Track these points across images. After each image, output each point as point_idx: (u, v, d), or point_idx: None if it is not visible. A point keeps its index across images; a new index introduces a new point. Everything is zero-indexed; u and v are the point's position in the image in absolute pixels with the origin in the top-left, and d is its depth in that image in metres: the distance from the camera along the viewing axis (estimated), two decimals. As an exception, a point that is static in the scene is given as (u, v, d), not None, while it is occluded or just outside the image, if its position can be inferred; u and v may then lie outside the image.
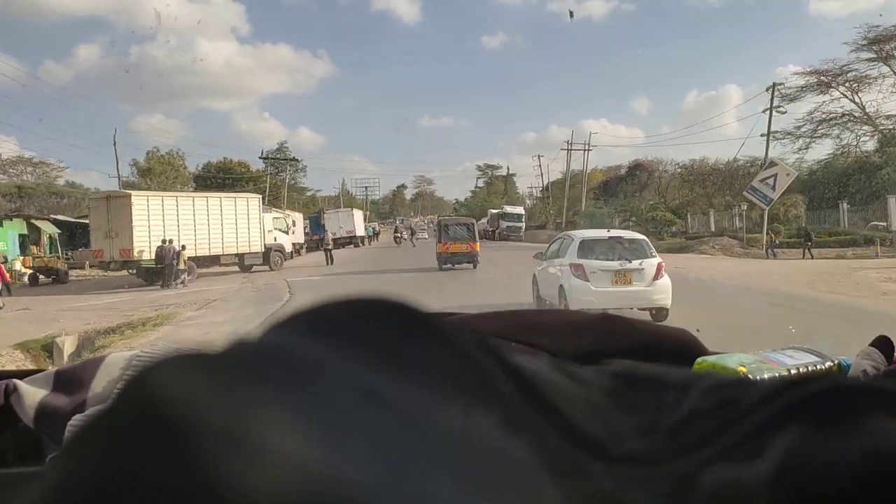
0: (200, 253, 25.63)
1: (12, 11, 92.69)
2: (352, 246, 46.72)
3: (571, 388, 0.38)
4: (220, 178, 61.43)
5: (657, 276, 10.40)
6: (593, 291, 10.16)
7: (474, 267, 21.43)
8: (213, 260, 26.54)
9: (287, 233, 38.27)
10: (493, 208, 70.45)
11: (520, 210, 57.76)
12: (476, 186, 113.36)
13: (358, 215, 49.66)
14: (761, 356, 0.79)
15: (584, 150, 64.18)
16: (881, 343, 0.84)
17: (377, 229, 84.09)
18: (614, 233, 11.96)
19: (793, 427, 0.32)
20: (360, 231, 48.04)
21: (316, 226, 45.84)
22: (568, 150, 64.29)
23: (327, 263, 29.39)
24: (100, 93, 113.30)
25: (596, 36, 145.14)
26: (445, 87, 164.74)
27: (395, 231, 50.73)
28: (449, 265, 21.50)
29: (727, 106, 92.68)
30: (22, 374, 0.88)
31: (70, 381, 0.84)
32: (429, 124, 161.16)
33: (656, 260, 10.64)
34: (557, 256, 11.33)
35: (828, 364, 0.80)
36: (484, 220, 67.83)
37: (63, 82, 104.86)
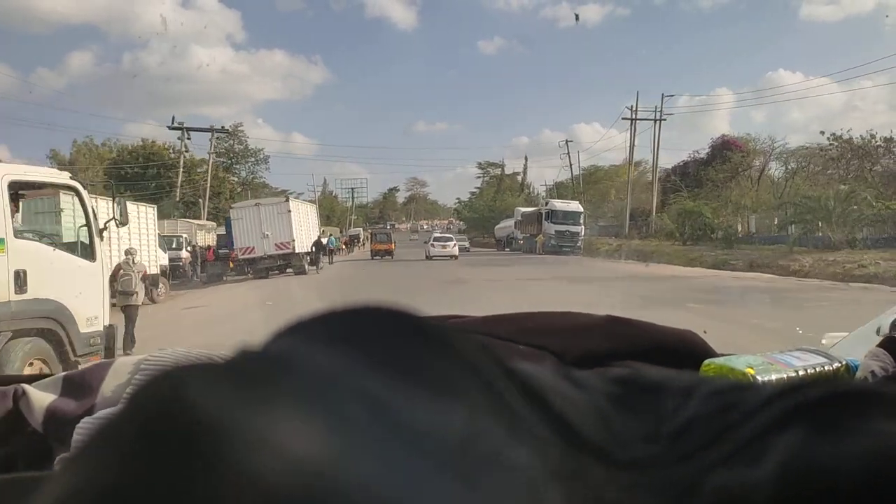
0: None
1: (7, 19, 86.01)
2: (291, 271, 23.74)
3: (574, 393, 0.37)
4: (142, 166, 38.90)
5: (454, 246, 34.04)
6: (435, 249, 33.34)
7: (392, 257, 35.81)
8: None
9: (181, 247, 23.03)
10: (524, 207, 46.76)
11: (576, 206, 34.71)
12: (476, 187, 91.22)
13: (304, 212, 26.68)
14: (769, 357, 0.75)
15: (655, 121, 40.86)
16: (889, 343, 0.79)
17: (362, 237, 62.71)
18: (443, 233, 45.11)
19: (795, 431, 0.31)
20: (304, 242, 25.08)
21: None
22: (631, 119, 40.97)
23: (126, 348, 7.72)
24: (91, 99, 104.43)
25: (590, 41, 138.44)
26: (441, 92, 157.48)
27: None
28: (378, 256, 35.76)
29: (719, 110, 78.00)
30: (30, 379, 0.86)
31: (79, 385, 0.82)
32: (424, 129, 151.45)
33: (454, 241, 36.12)
34: (428, 241, 36.80)
35: (835, 365, 0.76)
36: (507, 223, 44.69)
37: (55, 89, 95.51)
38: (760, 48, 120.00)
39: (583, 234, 33.51)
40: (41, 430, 0.79)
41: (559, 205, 34.63)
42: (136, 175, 40.01)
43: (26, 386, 0.82)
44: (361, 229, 73.27)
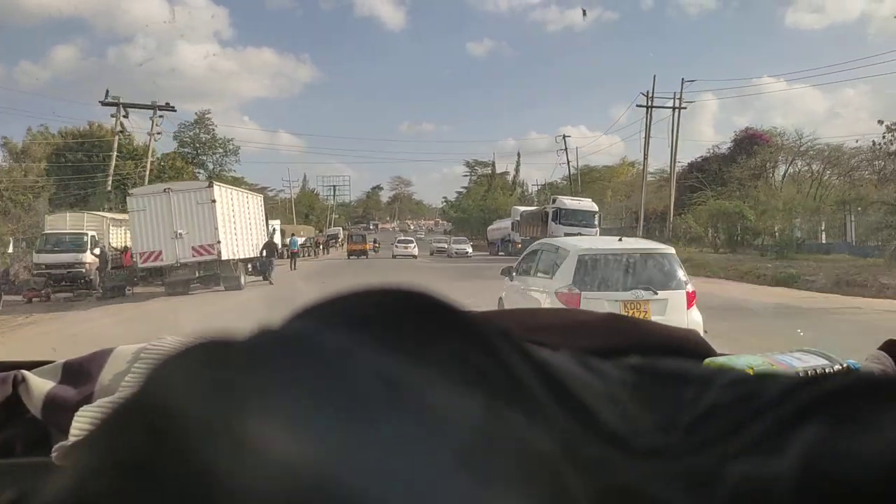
0: None
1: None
2: (219, 286, 16.95)
3: (593, 382, 0.37)
4: (84, 152, 32.53)
5: (414, 247, 37.39)
6: (398, 250, 36.78)
7: (367, 256, 37.30)
8: None
9: (85, 248, 18.33)
10: (518, 206, 40.66)
11: (589, 204, 28.64)
12: (463, 187, 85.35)
13: (242, 205, 19.00)
14: (770, 358, 0.75)
15: (674, 109, 34.82)
16: (890, 346, 0.78)
17: (341, 237, 56.58)
18: (406, 237, 43.92)
19: (813, 422, 0.31)
20: (240, 244, 18.00)
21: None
22: (647, 106, 34.86)
23: None
24: (76, 94, 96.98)
25: (578, 44, 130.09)
26: (428, 93, 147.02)
27: (375, 241, 44.82)
28: (354, 256, 37.00)
29: (704, 114, 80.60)
30: (30, 365, 0.85)
31: (78, 372, 0.81)
32: (411, 129, 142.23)
33: (414, 242, 38.99)
34: (394, 242, 40.00)
35: (836, 367, 0.76)
36: (502, 224, 38.50)
37: (39, 82, 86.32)
38: (746, 54, 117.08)
39: (598, 237, 27.50)
40: (40, 416, 0.78)
41: (569, 202, 28.52)
42: (80, 161, 33.84)
43: (26, 372, 0.81)
44: (341, 229, 67.33)
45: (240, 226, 18.08)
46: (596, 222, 27.80)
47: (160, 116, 29.99)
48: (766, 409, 0.33)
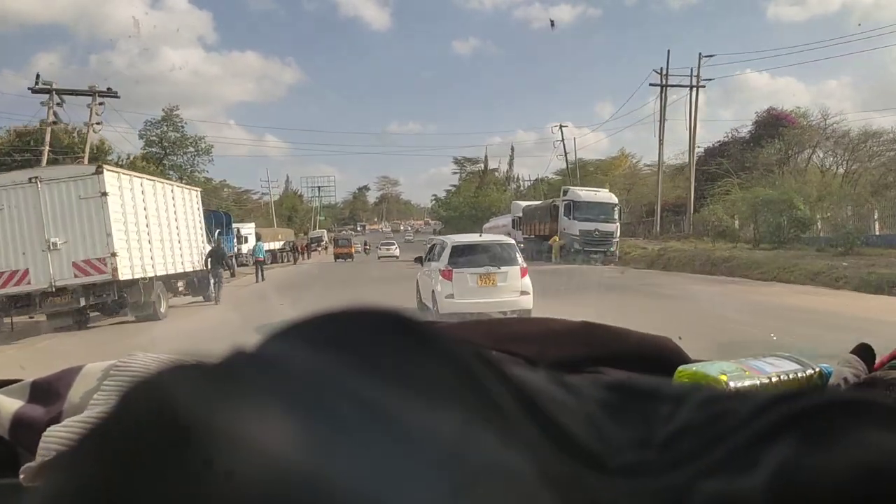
0: None
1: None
2: (128, 315, 11.57)
3: (567, 400, 0.36)
4: (31, 151, 27.73)
5: (395, 248, 38.29)
6: (381, 251, 38.72)
7: (352, 259, 38.12)
8: None
9: None
10: (513, 202, 36.23)
11: (607, 195, 24.24)
12: (452, 185, 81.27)
13: (160, 200, 12.95)
14: (743, 364, 0.75)
15: (691, 88, 30.39)
16: (861, 350, 0.78)
17: (325, 240, 52.12)
18: (388, 240, 43.68)
19: (787, 441, 0.31)
20: (157, 255, 12.10)
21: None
22: (662, 85, 30.44)
23: None
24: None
25: (562, 41, 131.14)
26: (414, 93, 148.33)
27: (365, 244, 47.13)
28: (341, 259, 37.89)
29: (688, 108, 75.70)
30: None
31: (46, 391, 0.79)
32: (397, 129, 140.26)
33: (395, 244, 40.22)
34: (383, 243, 40.75)
35: (809, 371, 0.75)
36: (499, 222, 33.92)
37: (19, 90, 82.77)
38: (728, 48, 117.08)
39: (618, 234, 22.96)
40: (7, 436, 0.76)
41: (584, 194, 23.92)
42: (28, 161, 29.28)
43: None
44: (325, 231, 62.82)
45: (157, 230, 12.91)
46: (616, 216, 23.34)
47: (100, 104, 25.05)
48: (740, 426, 0.33)
